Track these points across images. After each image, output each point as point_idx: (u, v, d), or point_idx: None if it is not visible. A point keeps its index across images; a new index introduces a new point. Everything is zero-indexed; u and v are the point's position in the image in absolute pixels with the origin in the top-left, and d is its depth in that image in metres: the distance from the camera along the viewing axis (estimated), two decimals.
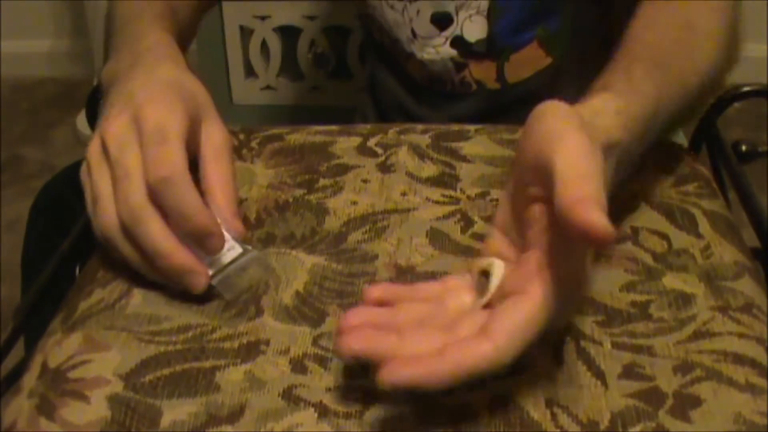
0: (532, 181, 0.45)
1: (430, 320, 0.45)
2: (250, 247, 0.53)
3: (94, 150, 0.52)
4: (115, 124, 0.52)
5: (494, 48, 0.80)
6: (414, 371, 0.40)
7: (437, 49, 0.81)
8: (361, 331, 0.43)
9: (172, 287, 0.51)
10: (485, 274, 0.46)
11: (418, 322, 0.45)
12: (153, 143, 0.50)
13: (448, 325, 0.44)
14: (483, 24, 0.79)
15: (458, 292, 0.47)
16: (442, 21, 0.80)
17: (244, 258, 0.52)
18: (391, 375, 0.40)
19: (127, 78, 0.56)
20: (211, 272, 0.51)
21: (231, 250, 0.52)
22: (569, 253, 0.42)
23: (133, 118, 0.51)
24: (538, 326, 0.42)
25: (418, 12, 0.80)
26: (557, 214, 0.40)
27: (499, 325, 0.41)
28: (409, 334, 0.43)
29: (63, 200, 0.80)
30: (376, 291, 0.47)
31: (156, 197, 0.49)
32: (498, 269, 0.46)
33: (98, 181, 0.51)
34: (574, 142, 0.43)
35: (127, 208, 0.50)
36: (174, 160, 0.49)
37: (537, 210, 0.45)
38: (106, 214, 0.51)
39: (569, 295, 0.43)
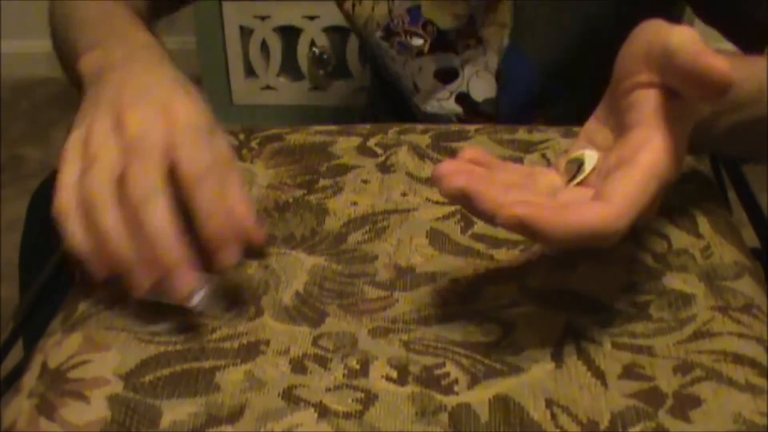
0: (641, 69, 0.46)
1: (525, 187, 0.46)
2: (226, 271, 0.53)
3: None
4: (140, 113, 0.49)
5: (501, 115, 0.79)
6: (533, 211, 0.40)
7: (441, 104, 0.80)
8: (466, 172, 0.43)
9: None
10: (576, 162, 0.47)
11: (515, 184, 0.45)
12: (201, 136, 0.49)
13: (546, 194, 0.45)
14: (491, 82, 0.77)
15: (548, 175, 0.48)
16: (446, 75, 0.79)
17: (224, 280, 0.52)
18: (515, 210, 0.40)
19: (126, 70, 0.54)
20: (194, 305, 0.50)
21: (209, 280, 0.52)
22: (677, 121, 0.44)
23: (162, 111, 0.49)
24: (650, 192, 0.42)
25: (420, 68, 0.79)
26: (679, 67, 0.42)
27: (613, 188, 0.42)
28: (511, 189, 0.44)
29: None
30: (471, 151, 0.47)
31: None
32: (591, 155, 0.47)
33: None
34: (688, 29, 0.44)
35: (94, 188, 0.48)
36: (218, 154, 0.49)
37: (643, 93, 0.45)
38: (66, 191, 0.49)
39: (675, 161, 0.44)
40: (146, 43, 0.59)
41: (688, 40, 0.43)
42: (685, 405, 0.44)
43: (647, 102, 0.45)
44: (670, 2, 0.79)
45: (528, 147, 0.66)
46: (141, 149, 0.47)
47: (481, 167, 0.46)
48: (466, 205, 0.44)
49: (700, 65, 0.41)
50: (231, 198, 0.47)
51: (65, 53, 0.65)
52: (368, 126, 0.69)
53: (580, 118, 0.51)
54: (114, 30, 0.61)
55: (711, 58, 0.41)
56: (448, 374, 0.46)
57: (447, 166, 0.44)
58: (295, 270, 0.54)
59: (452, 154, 0.65)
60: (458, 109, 0.79)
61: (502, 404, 0.44)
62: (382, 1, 0.79)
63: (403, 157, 0.65)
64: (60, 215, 0.48)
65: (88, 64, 0.58)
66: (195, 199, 0.47)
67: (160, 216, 0.45)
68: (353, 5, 0.76)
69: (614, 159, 0.45)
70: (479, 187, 0.43)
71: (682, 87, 0.44)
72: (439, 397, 0.44)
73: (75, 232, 0.48)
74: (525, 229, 0.41)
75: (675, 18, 0.79)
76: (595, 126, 0.49)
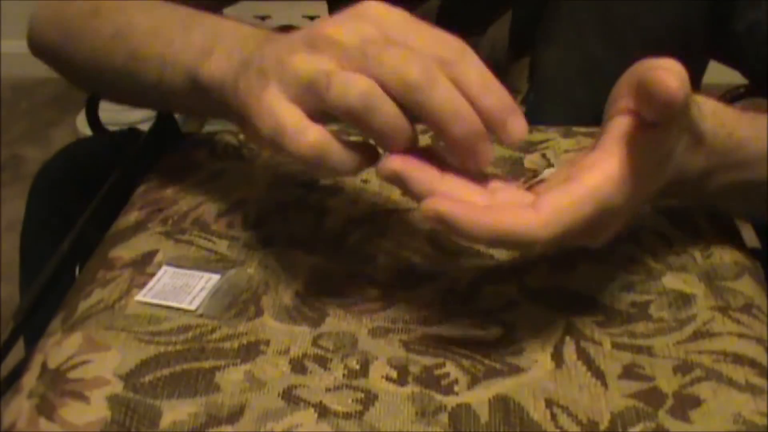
0: (623, 94, 0.45)
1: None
2: (225, 271, 0.53)
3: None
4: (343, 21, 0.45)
5: None
6: (457, 209, 0.40)
7: None
8: (406, 157, 0.43)
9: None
10: (533, 171, 0.46)
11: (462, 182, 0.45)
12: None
13: (489, 191, 0.44)
14: None
15: (503, 182, 0.47)
16: None
17: (223, 281, 0.52)
18: (436, 204, 0.40)
19: (275, 39, 0.48)
20: (194, 307, 0.50)
21: (209, 281, 0.52)
22: (640, 150, 0.43)
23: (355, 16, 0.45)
24: (585, 213, 0.42)
25: None
26: (636, 81, 0.42)
27: (547, 199, 0.42)
28: (452, 179, 0.43)
29: (62, 181, 0.80)
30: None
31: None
32: (548, 169, 0.46)
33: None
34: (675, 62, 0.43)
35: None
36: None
37: (617, 119, 0.45)
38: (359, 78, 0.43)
39: (624, 190, 0.43)
40: (250, 27, 0.55)
41: (663, 63, 0.42)
42: (685, 405, 0.44)
43: (616, 127, 0.44)
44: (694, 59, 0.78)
45: (528, 147, 0.66)
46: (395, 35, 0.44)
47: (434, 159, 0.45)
48: (402, 188, 0.44)
49: (649, 77, 0.40)
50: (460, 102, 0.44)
51: (135, 68, 0.59)
52: None
53: None
54: (210, 30, 0.55)
55: (663, 72, 0.40)
56: (448, 374, 0.46)
57: (394, 150, 0.44)
58: (295, 270, 0.54)
59: None
60: None
61: (502, 404, 0.44)
62: None
63: None
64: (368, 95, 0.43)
65: (217, 70, 0.51)
66: (429, 104, 0.43)
67: (477, 67, 0.44)
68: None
69: (563, 175, 0.44)
70: (414, 171, 0.43)
71: (636, 104, 0.43)
72: (439, 397, 0.44)
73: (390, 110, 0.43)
74: (443, 224, 0.40)
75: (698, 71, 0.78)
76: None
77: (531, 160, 0.64)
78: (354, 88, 0.42)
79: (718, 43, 0.57)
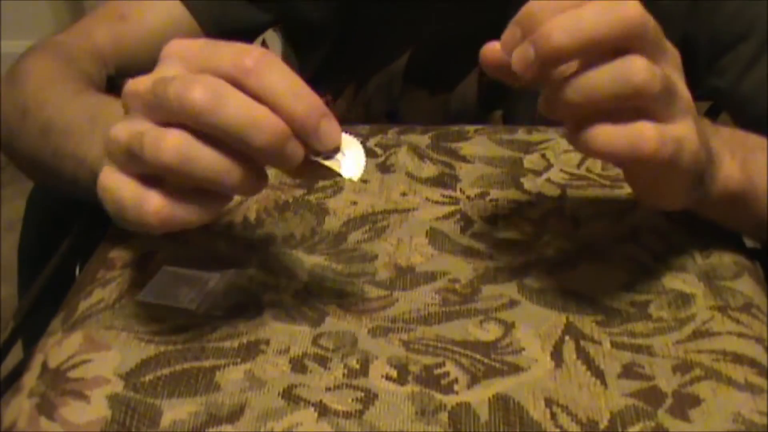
0: None
1: None
2: (225, 271, 0.53)
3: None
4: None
5: None
6: None
7: None
8: None
9: None
10: None
11: None
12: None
13: None
14: None
15: None
16: None
17: (223, 281, 0.52)
18: None
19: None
20: (194, 307, 0.50)
21: (209, 281, 0.52)
22: None
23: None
24: None
25: None
26: None
27: None
28: None
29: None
30: None
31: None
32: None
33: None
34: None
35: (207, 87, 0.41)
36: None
37: None
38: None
39: None
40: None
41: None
42: (685, 404, 0.44)
43: None
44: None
45: (528, 147, 0.66)
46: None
47: None
48: None
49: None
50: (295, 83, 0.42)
51: (58, 166, 0.58)
52: (368, 126, 0.69)
53: None
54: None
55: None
56: (447, 374, 0.46)
57: None
58: (295, 269, 0.54)
59: (452, 154, 0.65)
60: None
61: (502, 404, 0.44)
62: (359, 107, 0.79)
63: (402, 157, 0.65)
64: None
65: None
66: (222, 121, 0.41)
67: (281, 74, 0.42)
68: (326, 102, 0.73)
69: None
70: None
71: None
72: (438, 396, 0.44)
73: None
74: None
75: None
76: None
77: (531, 160, 0.64)
78: (164, 143, 0.41)
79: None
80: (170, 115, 0.41)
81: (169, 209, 0.42)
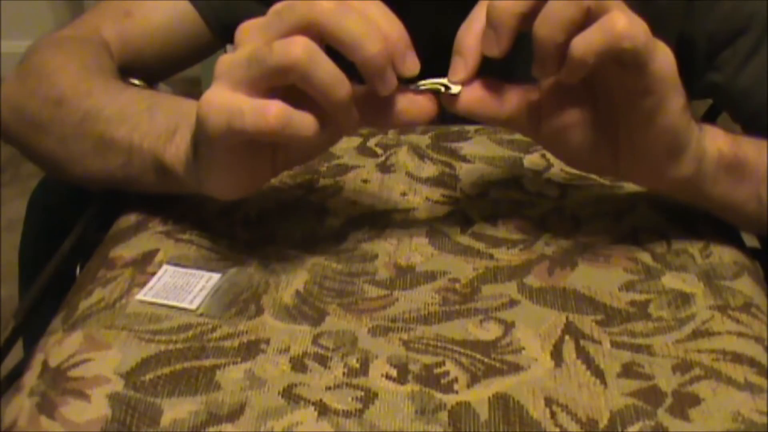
0: None
1: None
2: (226, 271, 0.53)
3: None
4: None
5: None
6: None
7: None
8: None
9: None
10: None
11: None
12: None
13: None
14: None
15: None
16: None
17: (224, 280, 0.52)
18: None
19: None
20: (194, 306, 0.51)
21: (209, 280, 0.52)
22: None
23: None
24: None
25: None
26: None
27: None
28: None
29: (60, 195, 0.80)
30: None
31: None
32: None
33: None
34: None
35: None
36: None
37: None
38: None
39: None
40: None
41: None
42: (685, 404, 0.44)
43: None
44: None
45: (528, 147, 0.66)
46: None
47: None
48: None
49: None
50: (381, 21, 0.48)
51: (103, 152, 0.59)
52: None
53: None
54: (176, 109, 0.57)
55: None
56: (447, 373, 0.46)
57: None
58: (296, 269, 0.54)
59: (452, 154, 0.65)
60: None
61: (502, 403, 0.44)
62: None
63: (402, 157, 0.65)
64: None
65: (179, 149, 0.54)
66: (344, 28, 0.46)
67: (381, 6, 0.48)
68: None
69: None
70: None
71: None
72: (438, 395, 0.44)
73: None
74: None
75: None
76: None
77: (531, 160, 0.65)
78: (295, 45, 0.45)
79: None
80: (292, 31, 0.46)
81: (290, 112, 0.46)
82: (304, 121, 0.46)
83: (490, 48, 0.47)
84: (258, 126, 0.45)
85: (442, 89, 0.49)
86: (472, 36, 0.48)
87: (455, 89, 0.49)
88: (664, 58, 0.47)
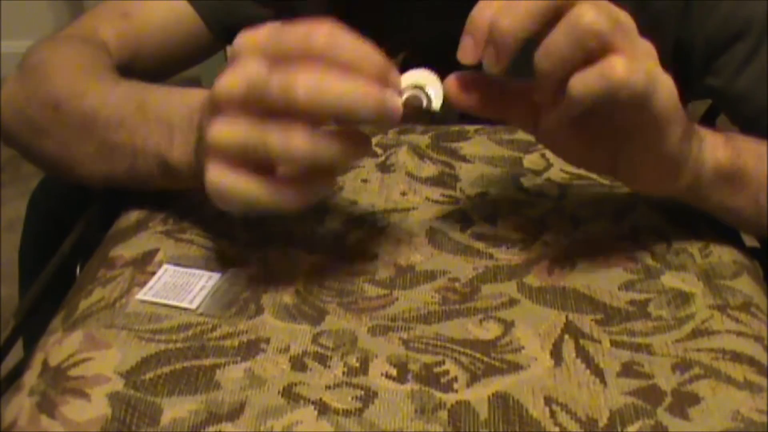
0: None
1: None
2: (226, 271, 0.53)
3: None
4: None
5: None
6: None
7: None
8: None
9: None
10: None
11: None
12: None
13: None
14: None
15: None
16: None
17: (224, 280, 0.52)
18: None
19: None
20: (194, 305, 0.51)
21: (209, 280, 0.52)
22: None
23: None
24: None
25: None
26: None
27: None
28: None
29: (60, 195, 0.80)
30: None
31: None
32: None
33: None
34: None
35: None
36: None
37: None
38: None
39: None
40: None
41: None
42: (684, 403, 0.44)
43: None
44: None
45: (527, 147, 0.66)
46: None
47: None
48: None
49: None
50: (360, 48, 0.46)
51: (107, 156, 0.59)
52: None
53: None
54: (165, 112, 0.56)
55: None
56: (447, 372, 0.46)
57: None
58: (295, 269, 0.54)
59: (452, 154, 0.65)
60: None
61: (502, 402, 0.44)
62: None
63: (402, 156, 0.65)
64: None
65: (182, 154, 0.54)
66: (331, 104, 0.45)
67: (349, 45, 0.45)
68: None
69: None
70: None
71: None
72: (438, 394, 0.44)
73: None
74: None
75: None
76: None
77: (531, 159, 0.65)
78: (295, 79, 0.43)
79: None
80: (274, 108, 0.44)
81: (307, 187, 0.46)
82: (323, 188, 0.47)
83: (489, 65, 0.46)
84: (279, 207, 0.46)
85: (424, 102, 0.48)
86: (485, 18, 0.46)
87: (436, 103, 0.48)
88: (664, 92, 0.46)
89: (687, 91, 0.49)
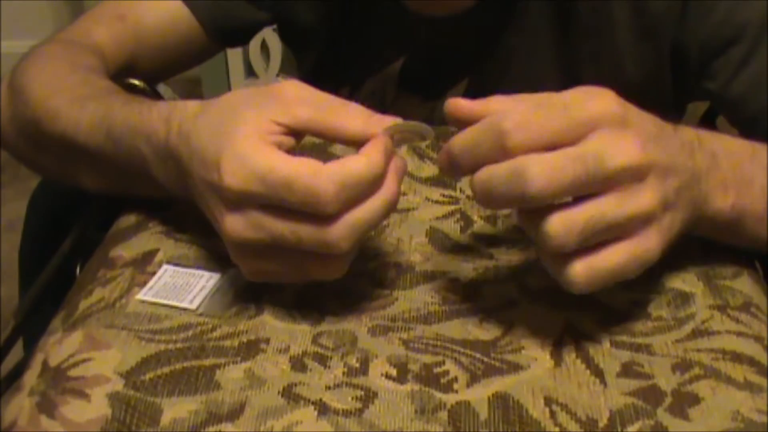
0: None
1: None
2: (226, 271, 0.53)
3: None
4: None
5: None
6: None
7: None
8: None
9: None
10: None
11: None
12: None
13: None
14: None
15: None
16: None
17: (224, 280, 0.52)
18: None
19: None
20: (194, 306, 0.51)
21: (210, 280, 0.52)
22: None
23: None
24: None
25: None
26: None
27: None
28: None
29: (60, 195, 0.80)
30: None
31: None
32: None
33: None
34: None
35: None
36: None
37: None
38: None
39: None
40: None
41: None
42: (684, 403, 0.44)
43: None
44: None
45: None
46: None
47: None
48: None
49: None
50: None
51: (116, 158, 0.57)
52: None
53: None
54: (131, 140, 0.55)
55: None
56: (447, 372, 0.46)
57: None
58: None
59: None
60: None
61: (502, 402, 0.44)
62: None
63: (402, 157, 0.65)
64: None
65: (167, 177, 0.53)
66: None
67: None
68: None
69: None
70: None
71: None
72: (438, 395, 0.44)
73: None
74: None
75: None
76: None
77: None
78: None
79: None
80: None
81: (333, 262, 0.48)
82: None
83: (448, 173, 0.48)
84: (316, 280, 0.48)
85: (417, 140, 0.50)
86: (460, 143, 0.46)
87: (429, 140, 0.48)
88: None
89: (685, 94, 0.48)
